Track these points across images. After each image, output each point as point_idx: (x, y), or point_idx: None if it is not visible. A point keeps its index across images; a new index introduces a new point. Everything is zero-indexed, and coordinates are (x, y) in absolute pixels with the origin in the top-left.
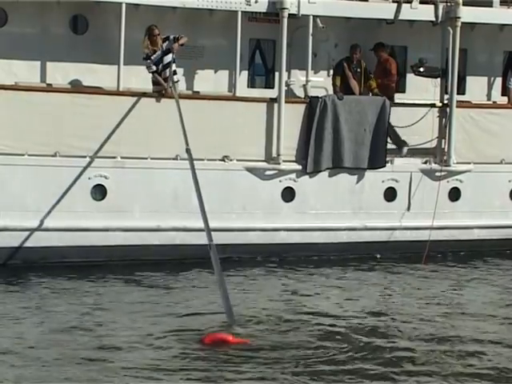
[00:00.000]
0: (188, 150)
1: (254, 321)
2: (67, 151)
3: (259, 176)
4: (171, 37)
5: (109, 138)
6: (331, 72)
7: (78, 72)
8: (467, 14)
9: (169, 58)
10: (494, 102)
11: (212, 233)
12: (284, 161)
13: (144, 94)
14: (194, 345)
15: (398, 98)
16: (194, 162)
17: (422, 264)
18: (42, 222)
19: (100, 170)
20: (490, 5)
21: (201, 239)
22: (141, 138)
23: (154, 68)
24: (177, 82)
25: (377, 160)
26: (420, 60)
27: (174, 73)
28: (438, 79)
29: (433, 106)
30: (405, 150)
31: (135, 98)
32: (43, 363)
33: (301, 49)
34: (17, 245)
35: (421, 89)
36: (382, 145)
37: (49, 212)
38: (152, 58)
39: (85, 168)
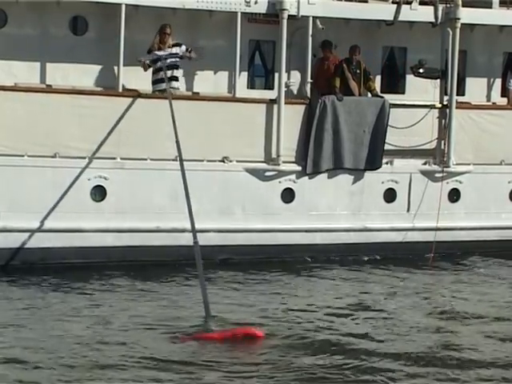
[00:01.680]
0: (177, 143)
1: (244, 320)
2: (67, 152)
3: (259, 177)
4: (184, 46)
5: (108, 139)
6: None
7: (78, 73)
8: (467, 15)
9: (172, 61)
10: (494, 103)
11: (211, 234)
12: (284, 162)
13: (143, 95)
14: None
15: (398, 99)
16: (194, 162)
17: (429, 265)
18: (41, 223)
19: (99, 171)
20: (490, 6)
21: (201, 240)
22: (140, 139)
23: (148, 62)
24: (177, 88)
25: (373, 161)
26: (420, 61)
27: (176, 79)
28: (438, 80)
29: (432, 107)
30: None
31: (135, 99)
32: (38, 363)
33: (300, 50)
34: (16, 246)
35: (420, 90)
36: (380, 146)
37: (48, 213)
38: (152, 52)
39: (84, 169)
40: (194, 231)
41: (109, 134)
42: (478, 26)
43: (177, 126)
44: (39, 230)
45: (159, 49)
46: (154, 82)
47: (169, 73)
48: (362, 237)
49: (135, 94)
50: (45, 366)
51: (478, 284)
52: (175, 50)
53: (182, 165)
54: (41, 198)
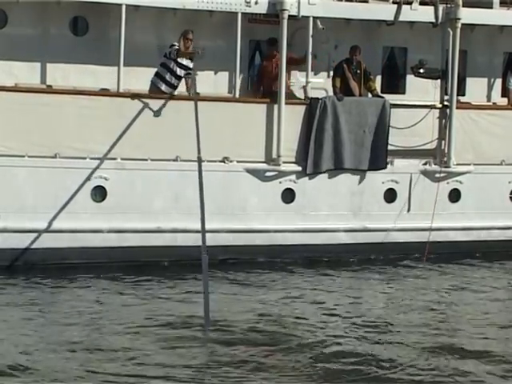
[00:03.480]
0: (199, 159)
1: (243, 319)
2: (67, 153)
3: (259, 177)
4: (192, 65)
5: (109, 139)
6: (331, 73)
7: (78, 73)
8: (467, 15)
9: (181, 72)
10: (494, 103)
11: (212, 234)
12: (284, 162)
13: (144, 96)
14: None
15: (398, 99)
16: (195, 163)
17: (421, 265)
18: (42, 223)
19: (100, 172)
20: (490, 6)
21: (201, 241)
22: (141, 140)
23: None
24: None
25: (377, 161)
26: (420, 61)
27: (173, 87)
28: (438, 80)
29: (433, 107)
30: None
31: (135, 100)
32: (37, 365)
33: (301, 50)
34: (17, 246)
35: (421, 90)
36: (383, 146)
37: (49, 214)
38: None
39: (85, 169)
40: (204, 243)
41: (109, 134)
42: (478, 26)
43: (181, 129)
44: (40, 230)
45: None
46: (163, 80)
47: (172, 79)
48: (363, 237)
49: (135, 95)
50: (41, 366)
51: (477, 284)
52: (186, 62)
53: (200, 180)
54: (41, 198)
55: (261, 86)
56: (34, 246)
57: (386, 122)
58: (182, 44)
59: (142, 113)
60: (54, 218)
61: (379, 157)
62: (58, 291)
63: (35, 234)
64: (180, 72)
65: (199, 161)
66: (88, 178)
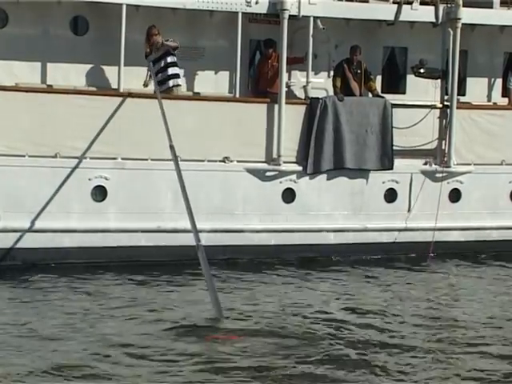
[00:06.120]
0: (171, 147)
1: (245, 319)
2: (67, 152)
3: (260, 177)
4: (171, 41)
5: (109, 139)
6: (331, 73)
7: (79, 73)
8: (467, 15)
9: (167, 60)
10: (495, 103)
11: (212, 234)
12: (284, 162)
13: (144, 95)
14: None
15: (399, 99)
16: (195, 162)
17: (425, 265)
18: (42, 223)
19: (100, 171)
20: (491, 6)
21: (201, 240)
22: (141, 139)
23: (147, 78)
24: (179, 85)
25: (383, 161)
26: (420, 61)
27: (177, 76)
28: (439, 80)
29: (433, 107)
30: None
31: (136, 99)
32: (34, 366)
33: (301, 50)
34: (17, 246)
35: (421, 90)
36: (388, 146)
37: (49, 213)
38: (148, 57)
39: (85, 169)
40: (196, 233)
41: (109, 134)
42: (478, 26)
43: (177, 128)
44: (40, 230)
45: (151, 51)
46: (158, 83)
47: (170, 70)
48: (363, 237)
49: (136, 94)
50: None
51: (477, 283)
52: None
53: (177, 168)
54: (41, 198)
55: (258, 86)
56: (34, 246)
57: (389, 122)
58: (148, 44)
59: (142, 112)
60: (55, 217)
61: (385, 157)
62: (56, 291)
63: (36, 234)
64: (172, 58)
65: (172, 149)
66: (88, 178)
